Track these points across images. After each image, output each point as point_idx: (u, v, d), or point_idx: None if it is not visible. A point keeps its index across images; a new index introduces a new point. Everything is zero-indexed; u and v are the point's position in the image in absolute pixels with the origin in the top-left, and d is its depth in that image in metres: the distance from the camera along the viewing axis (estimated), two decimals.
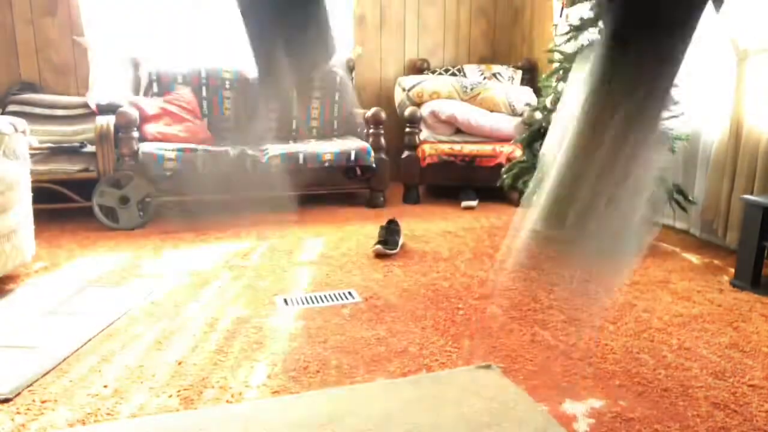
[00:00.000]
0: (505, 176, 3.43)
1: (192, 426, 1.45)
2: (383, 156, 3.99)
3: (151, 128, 3.76)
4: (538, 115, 3.43)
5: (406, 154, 4.14)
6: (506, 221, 3.64)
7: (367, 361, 1.82)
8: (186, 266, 2.75)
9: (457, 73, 4.73)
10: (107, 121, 3.53)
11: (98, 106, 3.85)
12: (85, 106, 3.97)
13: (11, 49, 4.06)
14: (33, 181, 2.68)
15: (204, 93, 4.14)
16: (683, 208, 3.07)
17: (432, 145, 4.13)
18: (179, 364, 1.79)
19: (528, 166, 3.30)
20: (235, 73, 4.21)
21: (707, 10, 0.87)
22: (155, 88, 4.04)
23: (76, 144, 3.75)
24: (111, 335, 1.99)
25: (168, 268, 2.71)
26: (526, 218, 1.04)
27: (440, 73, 4.73)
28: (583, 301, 2.33)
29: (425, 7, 4.84)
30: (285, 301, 2.33)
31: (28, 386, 1.65)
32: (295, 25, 0.96)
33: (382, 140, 4.01)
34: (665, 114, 0.92)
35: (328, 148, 3.84)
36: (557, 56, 3.25)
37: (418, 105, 4.32)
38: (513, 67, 4.80)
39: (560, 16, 4.11)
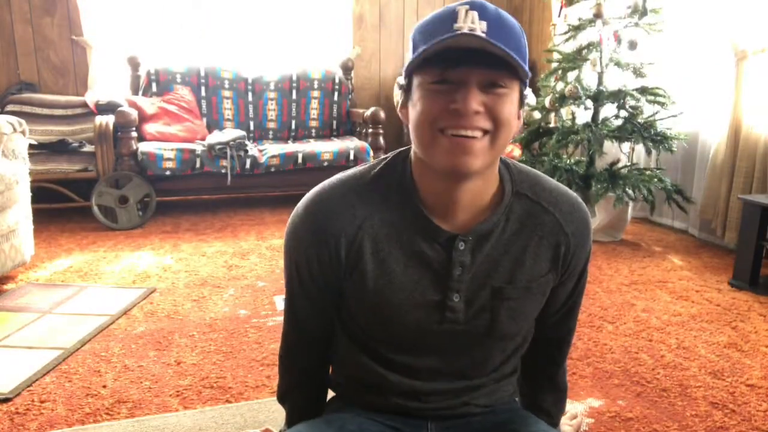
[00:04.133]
0: None
1: (192, 426, 1.46)
2: (382, 156, 3.98)
3: (150, 128, 3.76)
4: (536, 114, 3.44)
5: None
6: None
7: None
8: (185, 266, 2.75)
9: None
10: (106, 120, 3.53)
11: (97, 105, 3.85)
12: (84, 105, 3.98)
13: (10, 49, 4.05)
14: (32, 181, 2.68)
15: (203, 93, 4.14)
16: (682, 208, 3.07)
17: None
18: (179, 364, 1.79)
19: None
20: (234, 73, 4.22)
21: None
22: (154, 88, 4.04)
23: (75, 143, 3.76)
24: (111, 335, 2.00)
25: (167, 268, 2.71)
26: None
27: None
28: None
29: (424, 6, 4.84)
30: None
31: (28, 386, 1.65)
32: None
33: (381, 140, 4.01)
34: None
35: (327, 148, 3.84)
36: (556, 56, 3.26)
37: None
38: None
39: (559, 16, 4.12)
